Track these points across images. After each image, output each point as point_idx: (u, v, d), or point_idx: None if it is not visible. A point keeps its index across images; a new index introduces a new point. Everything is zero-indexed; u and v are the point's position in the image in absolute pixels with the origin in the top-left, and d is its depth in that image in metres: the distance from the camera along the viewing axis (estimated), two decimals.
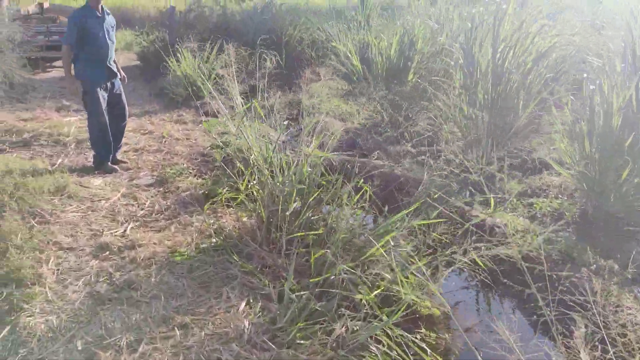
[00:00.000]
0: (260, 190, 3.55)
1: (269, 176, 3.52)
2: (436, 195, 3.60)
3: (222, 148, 5.51)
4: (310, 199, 3.38)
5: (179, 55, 9.83)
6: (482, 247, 3.25)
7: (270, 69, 10.61)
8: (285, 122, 3.94)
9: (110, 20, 4.76)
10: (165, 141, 5.89)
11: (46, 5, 16.77)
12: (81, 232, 3.55)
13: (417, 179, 4.58)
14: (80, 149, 5.53)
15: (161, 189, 4.44)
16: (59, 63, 14.93)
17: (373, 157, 5.43)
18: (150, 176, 4.71)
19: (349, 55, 7.96)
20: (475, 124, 5.86)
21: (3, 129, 6.20)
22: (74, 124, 6.46)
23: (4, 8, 14.57)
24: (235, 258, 3.12)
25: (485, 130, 5.73)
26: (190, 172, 4.85)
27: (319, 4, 25.41)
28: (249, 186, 3.80)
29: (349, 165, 4.28)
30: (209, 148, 5.61)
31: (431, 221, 3.13)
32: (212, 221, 3.76)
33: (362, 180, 3.57)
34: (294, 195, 3.32)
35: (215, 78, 9.14)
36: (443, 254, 2.91)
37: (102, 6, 4.65)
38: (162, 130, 6.53)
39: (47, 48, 13.46)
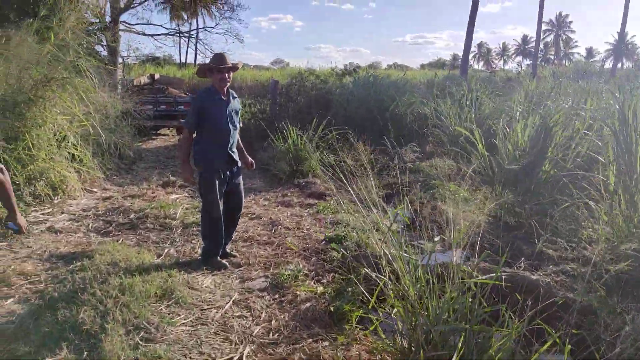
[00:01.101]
0: (411, 328, 2.81)
1: (421, 308, 2.79)
2: None
3: (339, 243, 4.90)
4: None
5: (282, 128, 9.61)
6: None
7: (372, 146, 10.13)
8: (438, 237, 3.21)
9: (235, 104, 4.42)
10: (275, 230, 5.37)
11: (157, 76, 17.70)
12: (190, 356, 2.97)
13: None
14: (187, 236, 5.13)
15: (277, 297, 3.83)
16: (164, 131, 15.49)
17: (519, 266, 4.58)
18: (264, 277, 4.14)
19: (474, 140, 7.22)
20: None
21: (111, 206, 6.01)
22: (181, 204, 6.17)
23: (117, 78, 15.51)
24: None
25: None
26: (307, 274, 4.23)
27: (414, 75, 25.28)
28: (390, 306, 3.11)
29: (506, 286, 3.47)
30: (324, 242, 5.01)
31: None
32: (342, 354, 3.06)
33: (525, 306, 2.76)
34: (462, 339, 2.56)
35: (320, 156, 8.76)
36: None
37: (228, 89, 4.32)
38: (270, 214, 6.06)
39: (155, 117, 13.91)
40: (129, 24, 22.06)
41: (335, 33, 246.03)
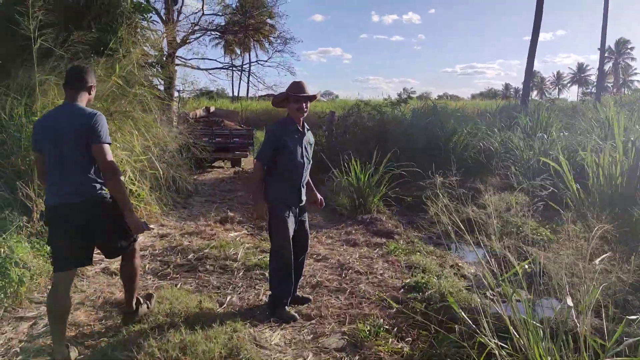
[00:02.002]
0: None
1: None
2: None
3: (419, 292, 4.32)
4: None
5: (339, 160, 9.18)
6: None
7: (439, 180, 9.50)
8: (569, 301, 2.59)
9: (309, 136, 4.03)
10: (345, 275, 4.85)
11: (212, 109, 17.79)
12: None
13: None
14: (250, 280, 4.69)
15: (357, 358, 3.29)
16: (218, 163, 15.38)
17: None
18: (340, 333, 3.61)
19: (564, 173, 6.50)
20: None
21: (168, 245, 5.67)
22: (241, 243, 5.77)
23: (173, 111, 15.59)
24: None
25: None
26: (388, 330, 3.67)
27: (468, 105, 24.49)
28: None
29: None
30: (402, 290, 4.44)
31: None
32: None
33: None
34: None
35: (383, 191, 8.24)
36: None
37: (303, 120, 3.93)
38: (336, 254, 5.56)
39: (211, 150, 13.79)
40: (185, 58, 22.58)
41: (384, 65, 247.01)
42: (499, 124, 13.18)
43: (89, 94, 3.23)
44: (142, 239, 6.03)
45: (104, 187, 3.15)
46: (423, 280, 4.47)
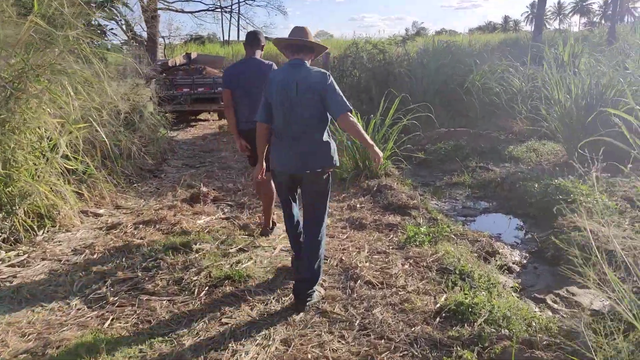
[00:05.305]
0: None
1: None
2: None
3: (465, 323, 2.92)
4: None
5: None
6: None
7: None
8: None
9: None
10: (352, 289, 3.42)
11: (194, 55, 15.92)
12: None
13: None
14: (214, 305, 3.24)
15: None
16: (204, 116, 13.78)
17: None
18: None
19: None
20: None
21: (113, 244, 4.24)
22: (210, 237, 4.33)
23: (157, 60, 13.86)
24: None
25: None
26: None
27: (487, 40, 22.42)
28: None
29: None
30: (438, 319, 3.02)
31: None
32: None
33: None
34: None
35: (392, 148, 6.75)
36: None
37: None
38: (338, 248, 4.15)
39: (192, 101, 12.28)
40: (167, 1, 20.35)
41: (379, 1, 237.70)
42: (515, 58, 11.46)
43: (261, 50, 4.32)
44: (82, 233, 4.60)
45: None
46: (467, 301, 3.04)
